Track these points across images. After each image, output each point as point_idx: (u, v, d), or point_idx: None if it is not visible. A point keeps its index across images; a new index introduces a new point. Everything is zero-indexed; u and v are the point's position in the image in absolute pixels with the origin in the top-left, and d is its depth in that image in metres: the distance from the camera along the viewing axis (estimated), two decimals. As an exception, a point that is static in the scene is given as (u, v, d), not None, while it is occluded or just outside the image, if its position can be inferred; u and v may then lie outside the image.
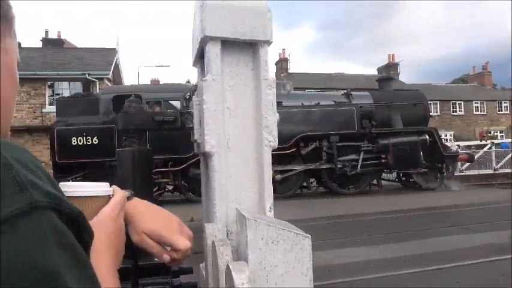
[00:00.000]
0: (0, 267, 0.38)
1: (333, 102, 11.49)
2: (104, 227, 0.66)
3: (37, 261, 0.40)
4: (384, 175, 12.88)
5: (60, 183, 0.66)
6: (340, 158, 11.05)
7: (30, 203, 0.42)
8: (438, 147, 11.64)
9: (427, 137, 11.36)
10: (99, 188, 0.68)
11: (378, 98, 12.07)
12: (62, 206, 0.46)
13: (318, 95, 12.79)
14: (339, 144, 11.00)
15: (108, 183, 0.71)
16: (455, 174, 15.61)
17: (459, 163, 16.21)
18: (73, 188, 0.65)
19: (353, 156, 11.17)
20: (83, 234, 0.49)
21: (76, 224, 0.49)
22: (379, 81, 13.56)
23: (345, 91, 12.46)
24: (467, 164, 16.53)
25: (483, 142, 18.52)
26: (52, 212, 0.44)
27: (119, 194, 0.71)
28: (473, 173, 16.34)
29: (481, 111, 36.02)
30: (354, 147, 11.20)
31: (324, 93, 13.64)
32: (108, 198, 0.69)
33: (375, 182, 12.01)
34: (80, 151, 9.73)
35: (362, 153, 11.14)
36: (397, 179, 12.92)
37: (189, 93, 10.50)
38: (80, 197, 0.66)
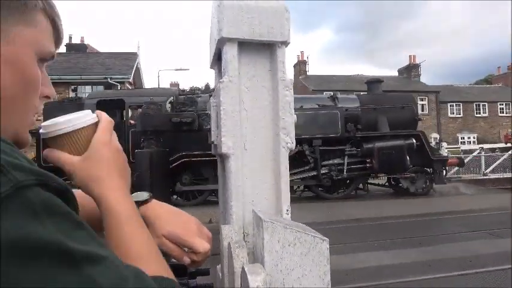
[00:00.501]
0: (1, 253, 0.38)
1: (317, 106, 11.35)
2: (100, 155, 0.65)
3: (36, 236, 0.41)
4: (374, 180, 12.68)
5: (44, 123, 0.65)
6: (325, 162, 10.92)
7: (14, 184, 0.42)
8: (426, 151, 11.37)
9: (414, 140, 11.10)
10: (85, 117, 0.66)
11: (365, 101, 11.90)
12: (49, 180, 0.47)
13: (303, 98, 12.62)
14: (322, 148, 10.86)
15: (90, 111, 0.69)
16: (485, 176, 15.17)
17: (486, 167, 15.82)
18: (60, 126, 0.64)
19: (337, 161, 11.03)
20: (70, 205, 0.50)
21: (65, 196, 0.49)
22: (368, 83, 13.35)
23: (331, 94, 12.35)
24: (491, 167, 16.10)
25: (508, 145, 17.98)
26: (39, 188, 0.44)
27: (104, 117, 0.69)
28: (496, 177, 15.90)
29: (506, 113, 34.99)
30: (338, 151, 11.04)
31: (310, 96, 13.53)
32: (96, 125, 0.67)
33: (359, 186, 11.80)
34: None
35: (347, 158, 10.98)
36: (387, 184, 12.66)
37: (172, 97, 10.59)
38: (69, 132, 0.64)
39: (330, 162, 11.05)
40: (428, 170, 11.69)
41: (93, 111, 0.69)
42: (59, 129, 0.64)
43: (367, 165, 11.04)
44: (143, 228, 0.63)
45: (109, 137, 0.67)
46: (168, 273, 0.61)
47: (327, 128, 10.91)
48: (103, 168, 0.64)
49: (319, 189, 11.21)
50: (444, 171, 12.16)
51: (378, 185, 12.91)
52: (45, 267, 0.40)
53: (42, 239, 0.41)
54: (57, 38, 0.65)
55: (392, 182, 12.34)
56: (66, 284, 0.41)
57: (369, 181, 12.28)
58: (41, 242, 0.40)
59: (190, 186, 10.42)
